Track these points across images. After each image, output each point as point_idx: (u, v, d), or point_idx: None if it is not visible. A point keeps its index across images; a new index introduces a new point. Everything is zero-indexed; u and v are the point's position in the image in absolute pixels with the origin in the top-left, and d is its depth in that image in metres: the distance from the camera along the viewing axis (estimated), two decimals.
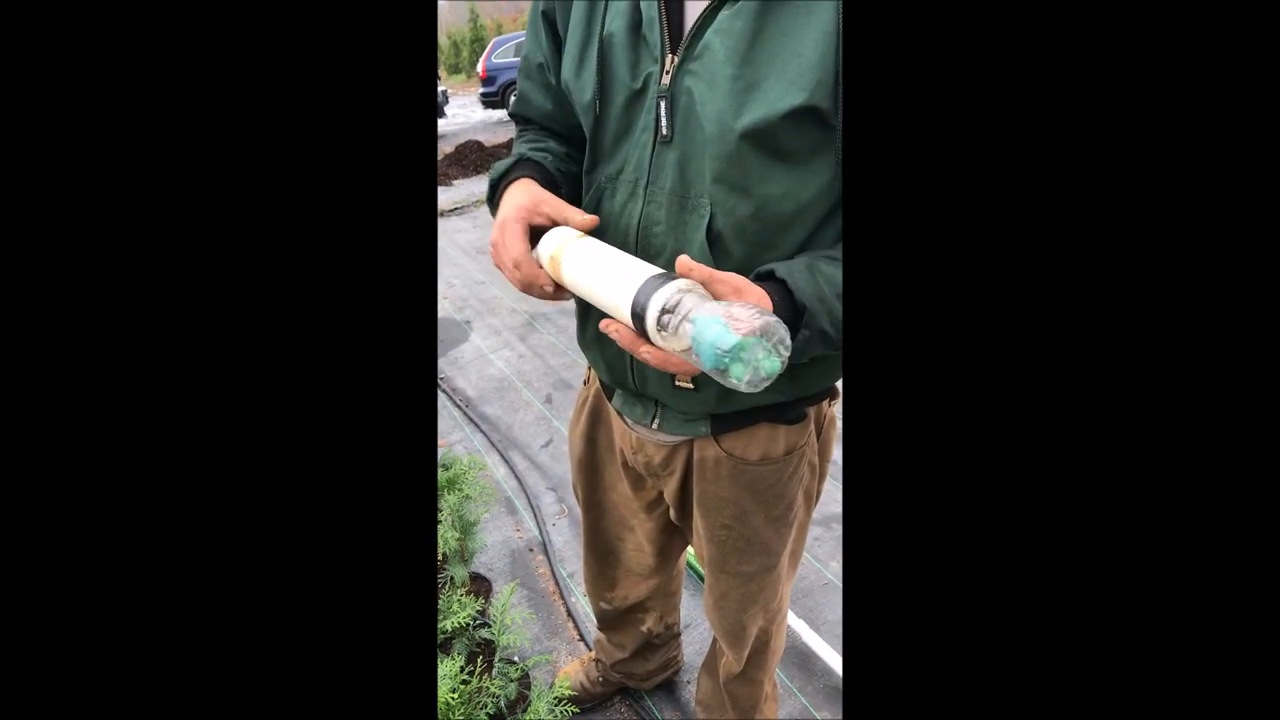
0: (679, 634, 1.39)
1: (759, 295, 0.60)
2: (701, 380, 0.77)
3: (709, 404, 0.80)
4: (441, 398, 2.56)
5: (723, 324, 0.51)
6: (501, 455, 2.20)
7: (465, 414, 2.44)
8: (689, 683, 1.44)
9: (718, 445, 0.84)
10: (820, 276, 0.63)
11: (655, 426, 0.85)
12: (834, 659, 1.46)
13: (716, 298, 0.58)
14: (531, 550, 1.83)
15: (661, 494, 0.98)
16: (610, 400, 0.92)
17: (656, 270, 0.60)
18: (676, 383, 0.79)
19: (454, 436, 2.34)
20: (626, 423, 0.91)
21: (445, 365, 2.79)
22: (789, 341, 0.53)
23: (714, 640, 1.19)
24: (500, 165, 0.79)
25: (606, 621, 1.28)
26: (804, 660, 1.49)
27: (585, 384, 1.01)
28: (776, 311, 0.62)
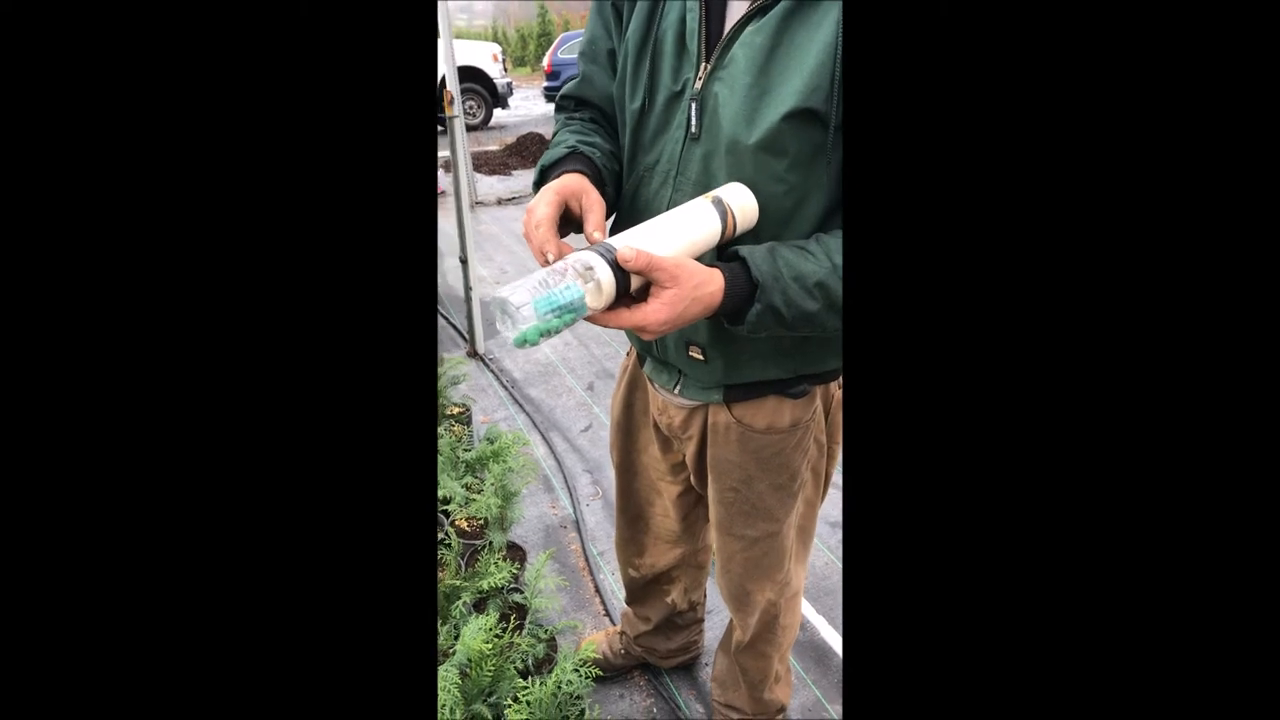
0: (702, 619, 1.45)
1: (701, 278, 0.68)
2: (709, 352, 0.86)
3: (717, 374, 0.88)
4: (489, 377, 2.66)
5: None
6: (542, 436, 2.28)
7: (511, 394, 2.54)
8: (707, 665, 1.49)
9: (729, 412, 0.92)
10: (780, 260, 0.71)
11: (678, 392, 0.94)
12: None
13: (655, 284, 0.66)
14: (564, 527, 1.91)
15: (685, 459, 1.05)
16: (643, 367, 1.01)
17: (603, 250, 0.65)
18: (689, 352, 0.87)
19: (499, 414, 2.44)
20: (655, 387, 0.99)
21: (494, 347, 2.88)
22: (513, 315, 0.60)
23: (730, 619, 1.25)
24: (553, 154, 0.82)
25: (634, 592, 1.34)
26: (821, 655, 1.53)
27: (628, 354, 1.09)
28: (733, 286, 0.70)
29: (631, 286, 0.66)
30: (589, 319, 0.65)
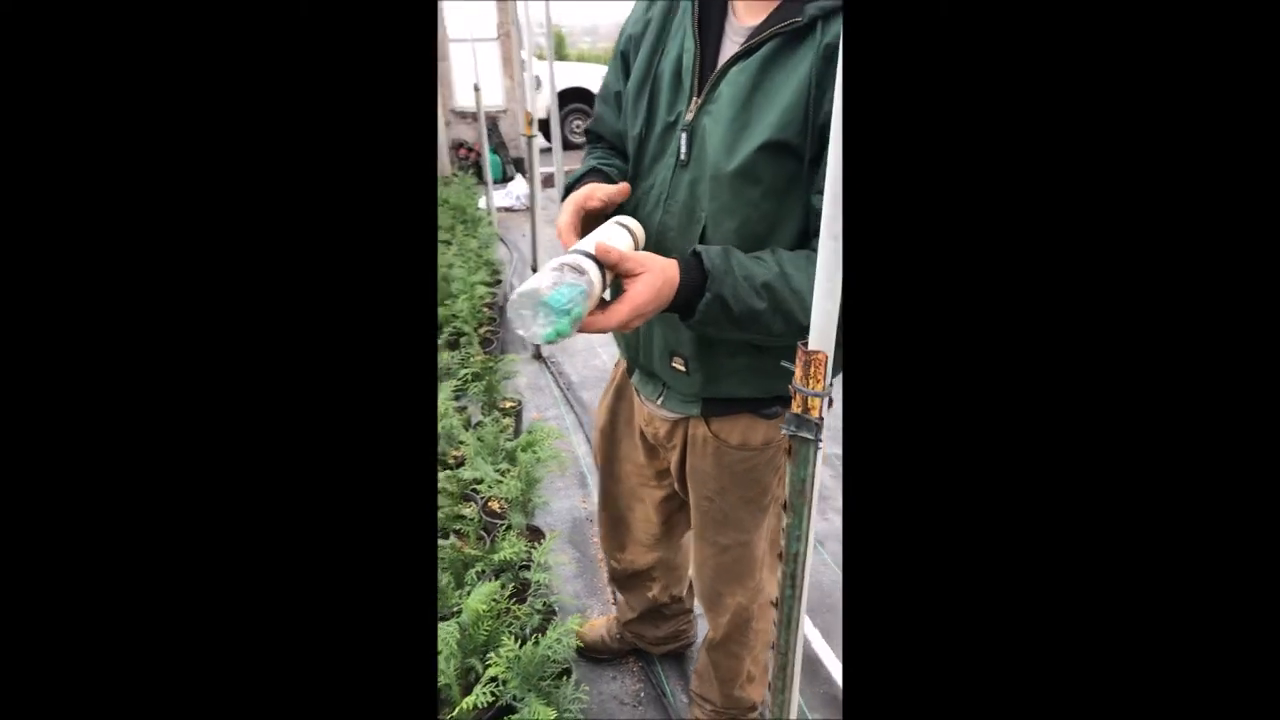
0: (690, 610, 1.53)
1: (662, 265, 0.75)
2: (691, 364, 0.94)
3: (696, 386, 0.96)
4: (548, 378, 2.84)
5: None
6: (586, 435, 2.42)
7: (564, 395, 2.70)
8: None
9: (707, 426, 1.01)
10: (733, 258, 0.78)
11: (660, 403, 1.03)
12: (839, 669, 1.53)
13: (626, 274, 0.74)
14: (590, 521, 2.03)
15: (670, 467, 1.14)
16: (631, 378, 1.10)
17: (582, 250, 0.73)
18: (672, 364, 0.96)
19: (550, 413, 2.60)
20: (641, 398, 1.09)
21: (557, 351, 3.06)
22: (546, 307, 0.65)
23: None
24: (576, 173, 0.97)
25: (617, 580, 1.45)
26: (810, 666, 1.57)
27: (616, 365, 1.19)
28: (686, 275, 0.77)
29: (604, 292, 0.73)
30: (582, 330, 0.70)
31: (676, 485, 1.15)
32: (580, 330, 0.70)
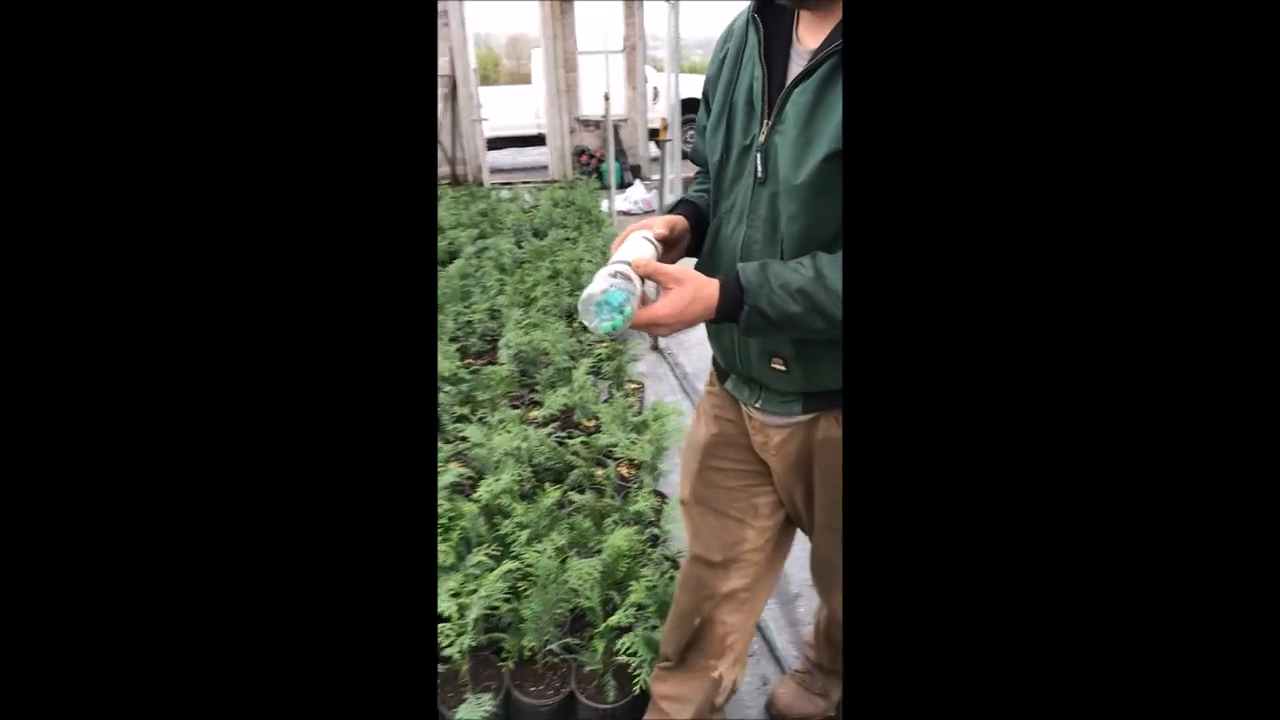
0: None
1: (703, 281, 0.89)
2: (792, 364, 1.02)
3: (798, 383, 1.03)
4: (665, 367, 3.04)
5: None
6: None
7: (680, 384, 2.89)
8: (808, 624, 1.70)
9: (838, 425, 1.06)
10: (769, 272, 0.89)
11: (759, 407, 1.10)
12: None
13: (661, 285, 0.88)
14: None
15: (774, 475, 1.17)
16: (724, 383, 1.16)
17: (621, 263, 0.86)
18: (772, 364, 1.03)
19: (667, 399, 2.79)
20: (742, 405, 1.14)
21: (672, 344, 3.26)
22: (592, 313, 0.80)
23: (819, 609, 1.41)
24: (670, 203, 1.13)
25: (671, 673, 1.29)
26: None
27: (708, 391, 1.20)
28: (725, 292, 0.90)
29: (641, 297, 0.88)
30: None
31: (789, 492, 1.16)
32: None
